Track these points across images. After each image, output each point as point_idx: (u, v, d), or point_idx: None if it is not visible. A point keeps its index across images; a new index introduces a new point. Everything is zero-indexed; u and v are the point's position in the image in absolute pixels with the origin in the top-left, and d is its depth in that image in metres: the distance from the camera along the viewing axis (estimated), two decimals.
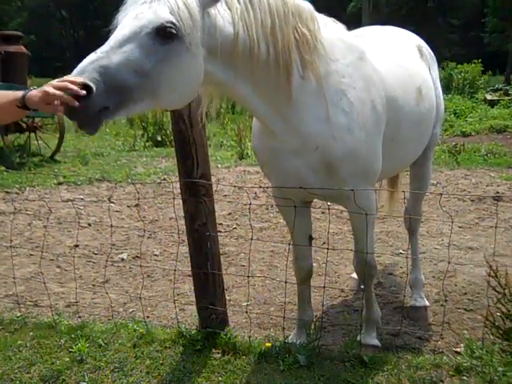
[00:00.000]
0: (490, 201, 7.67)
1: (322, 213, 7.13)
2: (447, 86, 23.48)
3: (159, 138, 13.35)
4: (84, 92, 2.29)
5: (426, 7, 51.37)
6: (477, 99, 21.14)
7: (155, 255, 5.98)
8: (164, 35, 2.46)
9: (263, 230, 6.73)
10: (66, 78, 2.35)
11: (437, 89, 4.36)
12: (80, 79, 2.31)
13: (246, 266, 5.47)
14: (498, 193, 8.12)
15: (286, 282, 3.72)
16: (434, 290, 4.94)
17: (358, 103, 3.12)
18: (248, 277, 4.13)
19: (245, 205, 7.46)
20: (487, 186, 8.66)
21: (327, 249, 3.87)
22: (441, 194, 3.69)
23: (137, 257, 5.80)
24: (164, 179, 9.18)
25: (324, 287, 3.89)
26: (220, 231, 6.56)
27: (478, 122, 16.79)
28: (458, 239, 6.17)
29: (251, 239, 4.02)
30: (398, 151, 3.71)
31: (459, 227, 6.49)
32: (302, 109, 3.04)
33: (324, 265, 5.33)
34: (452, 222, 3.65)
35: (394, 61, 3.70)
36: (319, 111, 3.05)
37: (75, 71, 2.35)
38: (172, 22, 2.46)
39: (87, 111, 2.36)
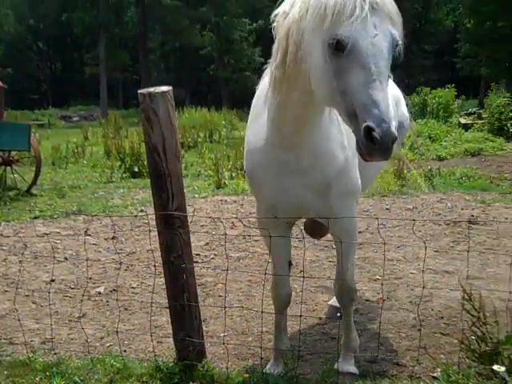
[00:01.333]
0: (464, 224, 7.75)
1: (299, 241, 7.14)
2: (422, 111, 23.81)
3: (136, 169, 13.34)
4: None
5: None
6: (451, 123, 21.44)
7: (132, 288, 5.94)
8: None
9: (240, 260, 6.73)
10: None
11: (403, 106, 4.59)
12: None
13: (224, 297, 5.47)
14: (472, 216, 8.21)
15: (262, 312, 3.72)
16: (411, 314, 4.96)
17: None
18: (225, 308, 4.10)
19: (222, 235, 7.47)
20: (462, 209, 8.76)
21: (303, 277, 3.86)
22: (414, 220, 3.72)
23: (114, 290, 5.75)
24: (141, 211, 9.16)
25: (300, 316, 3.89)
26: (197, 262, 6.56)
27: (453, 146, 17.04)
28: (433, 263, 6.22)
29: (226, 270, 4.00)
30: (366, 170, 3.74)
31: (435, 251, 6.55)
32: (323, 128, 3.16)
33: (301, 293, 5.37)
34: (426, 248, 3.65)
35: None
36: (327, 131, 3.20)
37: (386, 119, 2.33)
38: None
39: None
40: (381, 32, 2.45)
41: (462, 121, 21.54)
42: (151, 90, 3.36)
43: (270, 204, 3.47)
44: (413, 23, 54.12)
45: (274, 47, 3.08)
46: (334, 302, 5.03)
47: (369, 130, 2.33)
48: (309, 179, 3.26)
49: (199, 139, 20.87)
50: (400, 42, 2.52)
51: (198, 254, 6.86)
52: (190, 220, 3.82)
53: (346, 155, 3.25)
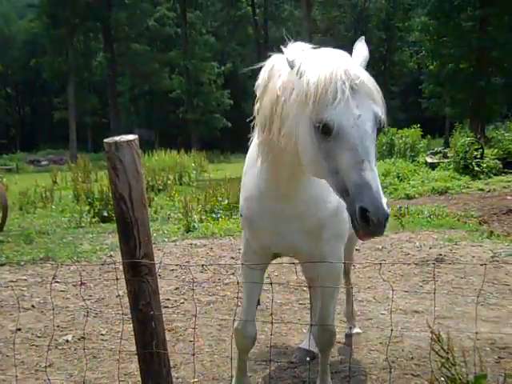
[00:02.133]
0: (432, 263, 7.82)
1: (270, 283, 7.14)
2: (389, 151, 24.20)
3: (106, 214, 13.23)
4: None
5: None
6: (418, 162, 21.79)
7: (101, 335, 5.85)
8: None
9: (211, 304, 6.67)
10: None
11: None
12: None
13: (195, 342, 5.42)
14: (440, 255, 8.28)
15: (231, 359, 3.69)
16: (382, 356, 4.95)
17: None
18: (193, 354, 4.06)
19: (191, 279, 7.43)
20: (430, 248, 8.84)
21: (271, 323, 3.85)
22: (380, 264, 3.76)
23: (82, 337, 5.65)
24: (110, 256, 9.07)
25: (270, 361, 3.87)
26: (167, 307, 6.51)
27: (421, 185, 17.29)
28: (403, 304, 6.25)
29: (195, 316, 3.96)
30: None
31: (404, 291, 6.57)
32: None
33: (271, 336, 5.34)
34: (392, 291, 3.68)
35: None
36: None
37: (380, 202, 2.45)
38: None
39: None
40: (363, 112, 2.57)
41: (429, 160, 21.88)
42: (117, 138, 3.36)
43: (264, 246, 3.65)
44: (378, 65, 55.31)
45: (259, 115, 3.17)
46: (303, 345, 5.03)
47: (362, 210, 2.45)
48: (303, 223, 3.41)
49: (169, 182, 20.83)
50: (382, 117, 2.64)
51: (167, 299, 6.80)
52: (157, 267, 3.80)
53: (338, 199, 3.17)
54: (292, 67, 2.75)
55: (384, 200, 2.48)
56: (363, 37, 3.07)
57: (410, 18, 55.70)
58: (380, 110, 2.64)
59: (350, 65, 2.66)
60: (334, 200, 3.32)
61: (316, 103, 2.56)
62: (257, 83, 3.19)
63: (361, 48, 2.94)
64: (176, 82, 54.99)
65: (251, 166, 3.58)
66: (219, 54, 60.84)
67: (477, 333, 3.52)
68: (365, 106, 2.59)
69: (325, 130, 2.55)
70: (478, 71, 35.97)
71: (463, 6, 36.99)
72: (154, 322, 3.71)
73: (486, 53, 35.75)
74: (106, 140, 3.35)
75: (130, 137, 3.38)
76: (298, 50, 2.86)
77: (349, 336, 5.31)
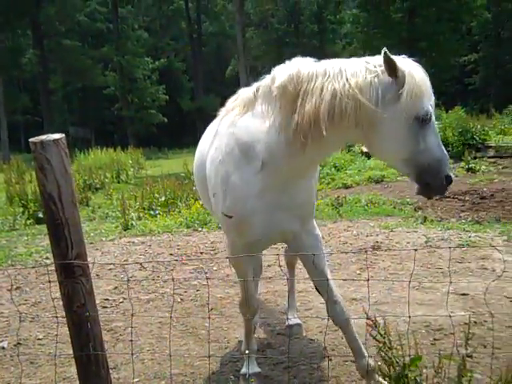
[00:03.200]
0: (369, 250, 7.96)
1: (209, 278, 7.15)
2: None
3: (41, 215, 12.90)
4: None
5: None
6: (354, 152, 22.07)
7: (39, 339, 5.72)
8: None
9: (150, 302, 6.61)
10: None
11: None
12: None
13: (135, 341, 5.37)
14: (377, 242, 8.44)
15: (170, 356, 3.67)
16: (322, 345, 5.01)
17: None
18: (132, 354, 4.02)
19: (130, 277, 7.36)
20: (367, 236, 8.99)
21: (208, 317, 3.83)
22: (314, 254, 3.79)
23: (18, 343, 5.51)
24: (47, 258, 8.87)
25: (209, 357, 3.86)
26: (106, 307, 6.44)
27: (358, 174, 17.54)
28: (342, 292, 6.28)
29: (132, 315, 3.92)
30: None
31: (343, 280, 6.66)
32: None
33: (212, 331, 5.35)
34: (327, 280, 3.73)
35: None
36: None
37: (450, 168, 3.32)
38: None
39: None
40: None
41: (364, 149, 22.16)
42: (43, 137, 3.29)
43: (253, 242, 3.81)
44: (311, 57, 55.79)
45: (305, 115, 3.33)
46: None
47: (447, 177, 3.25)
48: (300, 211, 3.80)
49: (106, 180, 20.57)
50: None
51: (106, 299, 6.72)
52: (92, 267, 3.74)
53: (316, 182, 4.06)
54: (393, 70, 3.17)
55: None
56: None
57: (342, 11, 56.56)
58: None
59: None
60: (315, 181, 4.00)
61: (424, 97, 3.19)
62: (285, 84, 3.40)
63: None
64: (110, 78, 54.15)
65: (239, 167, 3.61)
66: (153, 49, 60.18)
67: (410, 316, 3.59)
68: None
69: (426, 119, 3.19)
70: None
71: None
72: (90, 323, 3.65)
73: (415, 44, 36.63)
74: (31, 139, 3.27)
75: (57, 135, 3.31)
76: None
77: (289, 327, 5.37)
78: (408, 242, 8.38)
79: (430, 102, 3.23)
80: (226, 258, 4.37)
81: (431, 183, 3.27)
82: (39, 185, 3.42)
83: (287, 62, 3.57)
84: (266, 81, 3.66)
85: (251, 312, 4.33)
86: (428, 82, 3.25)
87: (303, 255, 3.95)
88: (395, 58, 3.23)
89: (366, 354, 4.06)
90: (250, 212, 3.63)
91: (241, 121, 3.68)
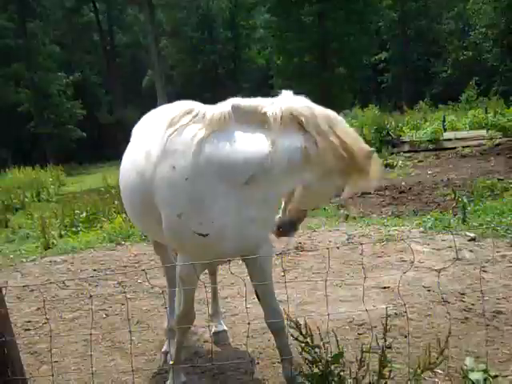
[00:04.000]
0: (292, 252, 8.06)
1: (134, 292, 7.09)
2: None
3: None
4: None
5: (216, 74, 53.79)
6: None
7: None
8: None
9: (75, 320, 6.48)
10: None
11: None
12: None
13: (59, 362, 5.26)
14: (299, 243, 8.55)
15: (92, 374, 3.62)
16: (249, 349, 5.05)
17: None
18: (52, 375, 3.94)
19: (53, 297, 7.20)
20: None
21: (129, 331, 3.80)
22: (239, 258, 3.84)
23: None
24: None
25: (133, 370, 3.83)
26: (29, 329, 6.28)
27: None
28: None
29: (50, 336, 3.84)
30: None
31: None
32: None
33: (139, 344, 5.30)
34: (246, 285, 3.77)
35: None
36: None
37: None
38: None
39: None
40: None
41: None
42: None
43: (221, 254, 3.70)
44: (228, 64, 56.16)
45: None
46: (165, 348, 5.05)
47: None
48: (268, 222, 3.86)
49: (26, 199, 20.01)
50: None
51: (29, 321, 6.54)
52: (9, 290, 3.64)
53: None
54: None
55: None
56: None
57: (254, 16, 57.12)
58: None
59: None
60: None
61: None
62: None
63: None
64: (23, 95, 52.63)
65: (214, 185, 3.54)
66: (66, 63, 58.91)
67: (329, 314, 3.68)
68: None
69: None
70: (323, 63, 37.60)
71: (301, 2, 38.51)
72: (7, 348, 3.57)
73: (327, 46, 37.44)
74: None
75: None
76: None
77: (215, 334, 5.38)
78: (330, 241, 8.53)
79: None
80: (159, 269, 4.30)
81: None
82: None
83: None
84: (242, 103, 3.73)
85: (190, 323, 4.34)
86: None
87: (253, 262, 4.02)
88: None
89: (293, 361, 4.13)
90: (226, 227, 3.58)
91: (217, 137, 3.57)
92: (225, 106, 3.71)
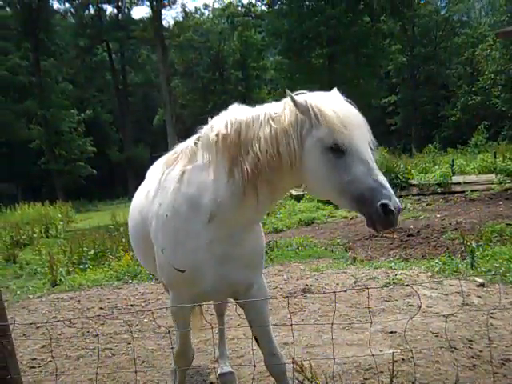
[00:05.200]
0: (299, 294, 8.03)
1: (140, 331, 7.07)
2: None
3: None
4: None
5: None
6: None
7: None
8: None
9: (80, 359, 6.45)
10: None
11: None
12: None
13: None
14: (307, 285, 8.53)
15: None
16: None
17: None
18: None
19: (59, 335, 7.19)
20: (297, 279, 9.08)
21: (137, 371, 3.79)
22: (244, 301, 3.84)
23: None
24: None
25: None
26: (34, 367, 6.26)
27: (288, 218, 17.75)
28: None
29: (56, 375, 3.84)
30: None
31: (274, 325, 6.66)
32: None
33: None
34: (251, 327, 3.77)
35: None
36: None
37: (393, 196, 3.06)
38: None
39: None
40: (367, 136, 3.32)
41: (294, 193, 22.44)
42: None
43: (205, 292, 3.76)
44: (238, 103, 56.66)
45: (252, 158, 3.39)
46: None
47: (384, 206, 3.01)
48: (249, 259, 3.77)
49: (34, 235, 20.08)
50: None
51: (34, 359, 6.53)
52: (23, 326, 3.66)
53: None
54: (297, 107, 3.26)
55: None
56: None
57: (264, 58, 57.89)
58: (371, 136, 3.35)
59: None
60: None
61: (333, 128, 3.15)
62: (222, 132, 3.50)
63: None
64: (34, 132, 53.19)
65: (187, 221, 3.60)
66: (78, 101, 59.66)
67: (334, 358, 3.66)
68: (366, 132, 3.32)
69: (340, 149, 3.13)
70: None
71: (312, 45, 39.03)
72: None
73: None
74: None
75: None
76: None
77: (222, 375, 5.35)
78: (337, 284, 8.50)
79: (342, 132, 3.13)
80: (167, 309, 4.37)
81: (369, 214, 3.11)
82: None
83: (224, 111, 3.66)
84: (204, 130, 3.70)
85: (187, 362, 4.39)
86: (341, 113, 3.21)
87: (250, 306, 3.99)
88: (303, 95, 3.39)
89: None
90: (201, 264, 3.60)
91: (186, 174, 3.66)
92: (191, 139, 3.87)
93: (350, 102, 3.48)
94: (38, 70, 52.85)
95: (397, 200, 3.04)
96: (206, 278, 3.65)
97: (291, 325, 3.75)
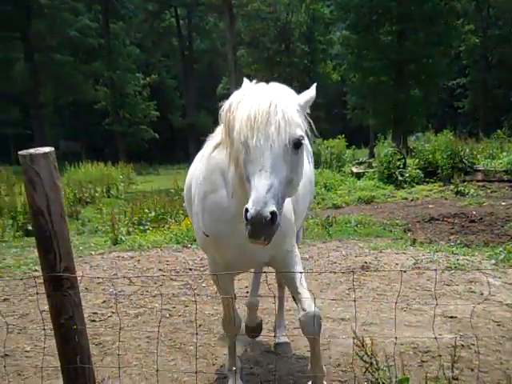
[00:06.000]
0: (359, 271, 7.98)
1: (197, 295, 7.14)
2: (316, 161, 24.56)
3: (30, 227, 12.89)
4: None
5: (290, 86, 53.92)
6: (344, 172, 22.18)
7: (26, 351, 5.68)
8: (297, 146, 3.08)
9: (139, 316, 6.58)
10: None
11: (311, 157, 5.05)
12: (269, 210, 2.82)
13: (122, 355, 5.35)
14: (365, 263, 8.46)
15: (157, 371, 3.66)
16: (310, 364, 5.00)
17: None
18: (119, 368, 4.01)
19: (119, 292, 7.33)
20: (356, 256, 9.01)
21: (196, 333, 3.83)
22: (307, 272, 3.82)
23: (6, 355, 5.46)
24: (35, 270, 8.83)
25: (196, 372, 3.85)
26: (94, 320, 6.41)
27: (348, 194, 17.65)
28: (330, 312, 6.34)
29: (120, 329, 3.91)
30: (297, 216, 4.18)
31: (331, 300, 6.67)
32: None
33: (200, 347, 5.34)
34: (315, 299, 3.72)
35: None
36: None
37: (258, 202, 2.82)
38: (302, 136, 3.11)
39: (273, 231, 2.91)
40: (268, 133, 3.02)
41: (354, 170, 22.33)
42: (32, 150, 3.29)
43: (229, 262, 3.89)
44: (302, 77, 56.15)
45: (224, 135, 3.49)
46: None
47: (245, 210, 2.87)
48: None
49: (96, 194, 20.54)
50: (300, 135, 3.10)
51: (95, 313, 6.69)
52: (79, 280, 3.73)
53: (291, 208, 3.88)
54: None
55: (270, 206, 2.82)
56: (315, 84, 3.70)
57: (331, 32, 57.03)
58: (292, 130, 3.07)
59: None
60: (290, 205, 3.81)
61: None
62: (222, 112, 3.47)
63: (310, 90, 3.56)
64: (101, 93, 54.08)
65: (212, 191, 3.69)
66: (144, 65, 60.28)
67: (396, 338, 3.60)
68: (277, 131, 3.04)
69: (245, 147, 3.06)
70: (398, 84, 37.16)
71: (381, 21, 38.21)
72: (78, 336, 3.64)
73: (404, 66, 36.98)
74: (20, 152, 3.27)
75: (46, 149, 3.31)
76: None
77: (277, 345, 5.38)
78: (397, 264, 8.40)
79: (242, 131, 3.09)
80: (208, 274, 4.44)
81: None
82: (28, 197, 3.42)
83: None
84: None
85: (233, 329, 4.41)
86: (245, 112, 3.11)
87: (280, 270, 4.09)
88: (238, 91, 3.42)
89: (319, 375, 4.11)
90: (223, 234, 3.70)
91: (222, 143, 3.67)
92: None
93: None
94: (107, 32, 53.52)
95: (261, 208, 2.82)
96: (229, 248, 3.76)
97: (354, 300, 3.68)
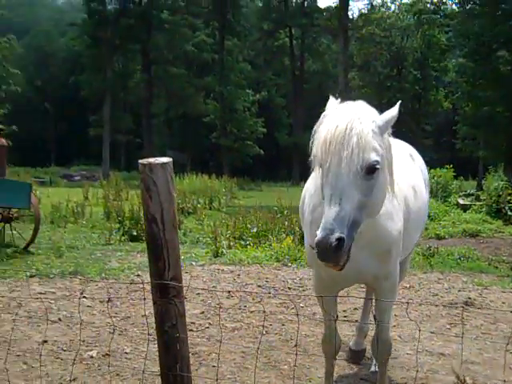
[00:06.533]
0: (461, 306, 7.71)
1: (296, 314, 7.13)
2: None
3: (135, 233, 13.39)
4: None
5: (400, 115, 52.98)
6: (450, 203, 21.58)
7: (125, 353, 5.85)
8: (370, 171, 3.11)
9: (235, 331, 6.64)
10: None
11: (427, 186, 5.02)
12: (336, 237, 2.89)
13: (217, 367, 5.40)
14: (469, 298, 8.15)
15: None
16: None
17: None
18: (217, 380, 4.05)
19: (217, 304, 7.42)
20: (459, 291, 8.71)
21: (296, 354, 3.81)
22: (407, 303, 3.74)
23: (106, 354, 5.66)
24: (138, 275, 9.12)
25: None
26: (192, 330, 6.51)
27: (452, 226, 17.12)
28: (429, 345, 6.15)
29: (220, 341, 3.95)
30: (406, 239, 4.20)
31: (431, 333, 6.47)
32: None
33: (295, 367, 5.31)
34: (419, 330, 3.64)
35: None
36: (386, 208, 3.68)
37: (325, 229, 2.93)
38: (377, 161, 3.12)
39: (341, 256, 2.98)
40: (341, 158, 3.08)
41: (461, 201, 21.69)
42: (151, 160, 3.40)
43: (334, 277, 3.93)
44: (413, 104, 55.25)
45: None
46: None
47: (316, 235, 2.98)
48: (373, 249, 3.77)
49: (199, 205, 20.97)
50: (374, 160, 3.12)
51: (192, 323, 6.79)
52: (185, 289, 3.81)
53: (401, 222, 3.92)
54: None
55: (336, 233, 2.90)
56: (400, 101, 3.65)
57: (446, 59, 55.75)
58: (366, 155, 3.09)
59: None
60: (399, 223, 3.88)
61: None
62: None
63: (392, 109, 3.45)
64: (210, 107, 55.50)
65: (320, 204, 3.65)
66: (255, 82, 61.32)
67: (505, 381, 3.44)
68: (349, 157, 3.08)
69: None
70: None
71: (501, 50, 36.96)
72: (180, 344, 3.71)
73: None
74: (140, 161, 3.38)
75: (165, 159, 3.41)
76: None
77: (373, 373, 5.28)
78: (503, 302, 8.05)
79: (317, 154, 3.25)
80: (314, 296, 4.46)
81: None
82: (143, 205, 3.53)
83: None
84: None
85: (332, 350, 4.41)
86: (322, 134, 3.24)
87: (376, 292, 4.14)
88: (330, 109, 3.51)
89: None
90: None
91: None
92: None
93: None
94: (222, 48, 55.01)
95: (328, 235, 2.91)
96: None
97: (462, 337, 3.55)
